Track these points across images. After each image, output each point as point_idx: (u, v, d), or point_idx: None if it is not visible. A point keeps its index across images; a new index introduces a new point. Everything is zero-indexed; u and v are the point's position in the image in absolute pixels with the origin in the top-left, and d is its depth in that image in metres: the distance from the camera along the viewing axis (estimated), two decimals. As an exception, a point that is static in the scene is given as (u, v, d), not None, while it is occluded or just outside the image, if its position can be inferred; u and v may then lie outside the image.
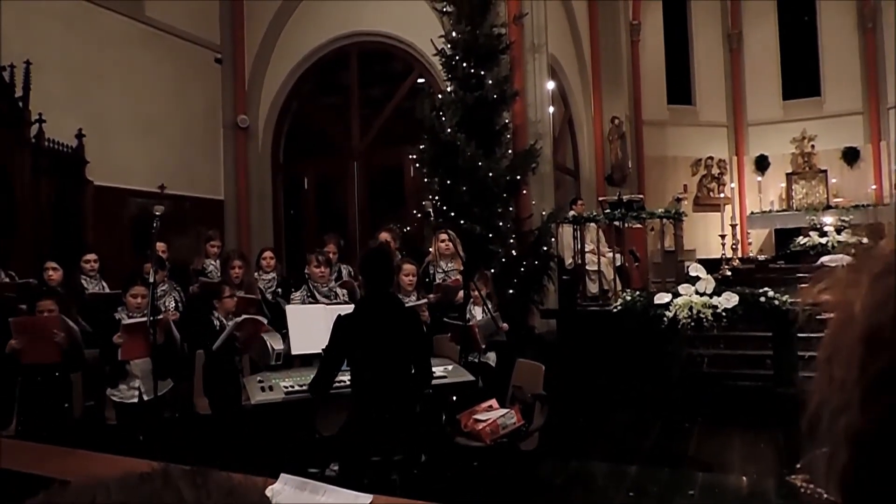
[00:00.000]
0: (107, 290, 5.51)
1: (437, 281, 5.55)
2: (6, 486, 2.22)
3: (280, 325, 4.82)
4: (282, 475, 1.84)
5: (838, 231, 10.75)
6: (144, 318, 4.41)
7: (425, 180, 7.17)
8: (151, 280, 4.48)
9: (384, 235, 5.84)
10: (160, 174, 8.29)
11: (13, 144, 6.49)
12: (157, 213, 4.59)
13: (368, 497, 1.78)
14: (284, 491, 1.79)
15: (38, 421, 4.28)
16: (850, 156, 13.00)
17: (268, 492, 1.77)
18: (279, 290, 5.93)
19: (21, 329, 4.37)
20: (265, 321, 4.75)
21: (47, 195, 6.75)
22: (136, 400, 4.50)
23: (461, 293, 5.34)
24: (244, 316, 4.66)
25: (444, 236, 5.65)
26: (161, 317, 4.58)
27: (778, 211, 13.12)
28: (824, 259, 8.82)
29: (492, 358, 4.96)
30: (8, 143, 6.45)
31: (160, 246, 5.54)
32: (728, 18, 13.97)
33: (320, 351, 3.84)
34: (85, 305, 5.22)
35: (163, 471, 0.41)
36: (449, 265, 5.62)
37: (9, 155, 6.47)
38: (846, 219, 11.25)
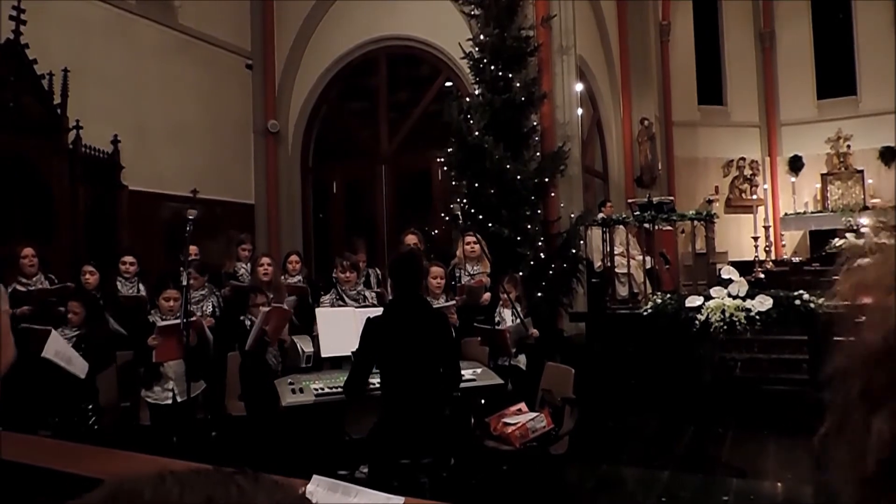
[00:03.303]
0: (142, 293, 5.60)
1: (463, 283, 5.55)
2: (44, 485, 2.27)
3: (310, 328, 4.87)
4: (314, 476, 1.86)
5: (876, 232, 10.47)
6: (178, 321, 4.48)
7: (453, 183, 7.18)
8: (185, 283, 4.55)
9: (411, 238, 5.85)
10: (192, 179, 8.43)
11: (51, 151, 6.67)
12: (191, 217, 4.67)
13: (400, 499, 1.78)
14: (317, 492, 1.80)
15: (71, 421, 4.37)
16: (888, 155, 12.66)
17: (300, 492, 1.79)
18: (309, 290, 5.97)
19: None
20: (291, 310, 4.77)
21: (84, 200, 6.91)
22: (170, 401, 4.57)
23: (487, 294, 5.33)
24: (270, 306, 4.68)
25: (470, 239, 5.65)
26: (194, 319, 4.64)
27: (812, 212, 12.83)
28: (861, 261, 8.59)
29: (522, 361, 4.94)
30: (46, 150, 6.63)
31: (192, 249, 5.61)
32: (760, 17, 13.73)
33: (350, 353, 3.86)
34: (119, 308, 5.31)
35: (217, 469, 0.42)
36: (475, 268, 5.62)
37: (47, 162, 6.65)
38: (884, 220, 10.93)
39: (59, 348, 4.32)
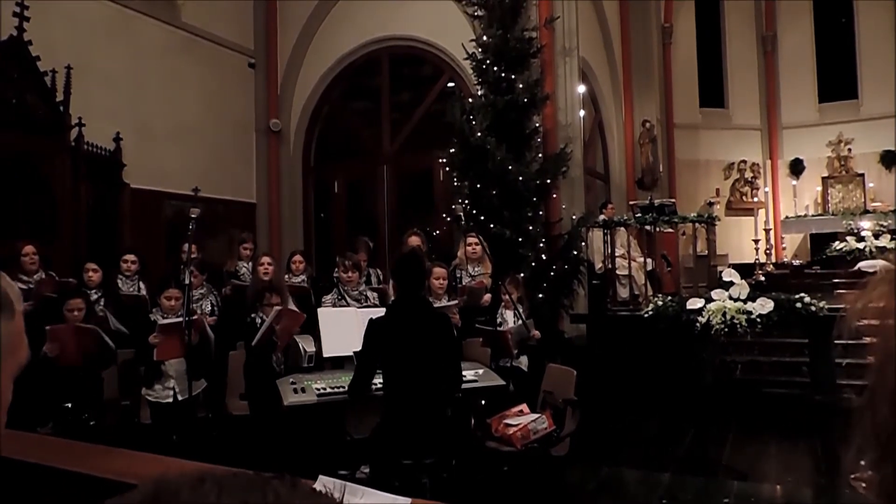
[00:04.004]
0: (143, 292, 5.59)
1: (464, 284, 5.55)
2: (43, 483, 2.27)
3: (312, 328, 4.86)
4: (320, 477, 1.85)
5: (876, 236, 10.48)
6: (180, 319, 4.47)
7: (455, 184, 7.17)
8: (187, 282, 4.54)
9: (414, 240, 5.84)
10: (194, 177, 8.43)
11: (54, 149, 6.66)
12: (193, 216, 4.65)
13: (406, 500, 1.78)
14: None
15: (72, 420, 4.36)
16: (889, 159, 12.67)
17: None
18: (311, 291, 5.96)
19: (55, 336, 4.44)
20: (303, 315, 4.75)
21: (86, 198, 6.91)
22: (170, 400, 4.57)
23: (488, 296, 5.33)
24: (282, 307, 4.67)
25: (471, 240, 5.64)
26: (196, 317, 4.64)
27: (813, 215, 12.84)
28: (862, 264, 8.61)
29: (524, 362, 4.94)
30: (49, 147, 6.62)
31: (190, 247, 5.59)
32: (762, 20, 13.74)
33: (352, 353, 3.86)
34: (120, 307, 5.30)
35: (256, 474, 0.42)
36: (476, 269, 5.61)
37: (50, 159, 6.65)
38: (884, 223, 10.97)
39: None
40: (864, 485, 0.50)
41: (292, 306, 4.85)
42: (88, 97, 6.97)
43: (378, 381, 3.58)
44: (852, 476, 0.53)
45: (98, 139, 7.09)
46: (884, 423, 0.42)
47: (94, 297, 5.13)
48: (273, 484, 0.41)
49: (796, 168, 13.35)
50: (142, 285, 5.61)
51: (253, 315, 4.80)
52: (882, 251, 9.72)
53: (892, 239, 10.27)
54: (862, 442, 0.45)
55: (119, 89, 7.63)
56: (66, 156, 6.74)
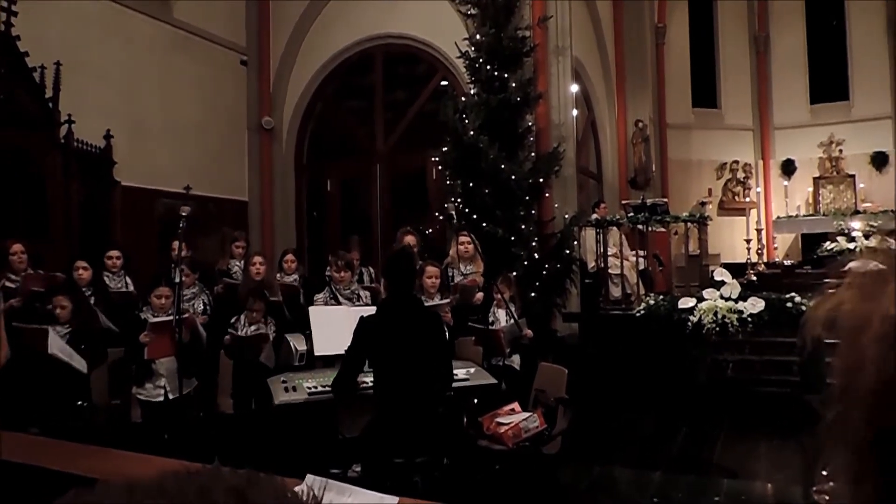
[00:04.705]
0: (130, 288, 5.56)
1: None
2: (34, 484, 2.25)
3: (303, 327, 4.85)
4: (308, 476, 1.84)
5: (866, 236, 10.54)
6: (171, 318, 4.45)
7: (448, 183, 7.17)
8: (177, 280, 4.52)
9: (410, 238, 5.82)
10: (186, 175, 8.39)
11: (44, 145, 6.61)
12: (184, 214, 4.63)
13: (394, 499, 1.78)
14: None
15: (58, 419, 4.33)
16: (879, 160, 12.75)
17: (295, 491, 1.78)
18: (301, 290, 5.95)
19: None
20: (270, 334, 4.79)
21: (77, 196, 6.86)
22: (161, 399, 4.54)
23: (480, 294, 5.32)
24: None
25: (464, 238, 5.64)
26: (187, 316, 4.61)
27: (805, 216, 12.90)
28: (852, 265, 8.65)
29: (516, 361, 4.94)
30: (38, 144, 6.57)
31: (179, 246, 5.58)
32: (755, 21, 13.79)
33: (343, 352, 3.85)
34: (110, 305, 5.27)
35: (214, 470, 0.41)
36: (468, 267, 5.61)
37: (39, 156, 6.60)
38: (875, 224, 11.03)
39: (60, 345, 4.29)
40: (826, 497, 0.49)
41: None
42: (79, 94, 6.92)
43: (368, 379, 3.57)
44: (814, 489, 0.52)
45: (89, 136, 7.04)
46: (859, 438, 0.41)
47: (87, 294, 5.10)
48: (230, 478, 0.39)
49: (788, 168, 13.41)
50: (128, 280, 5.58)
51: (235, 319, 4.81)
52: (873, 252, 9.77)
53: (882, 240, 10.33)
54: (834, 457, 0.44)
55: (110, 86, 7.58)
56: (57, 153, 6.69)
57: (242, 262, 6.11)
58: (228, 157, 9.32)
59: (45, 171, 6.61)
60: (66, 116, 6.73)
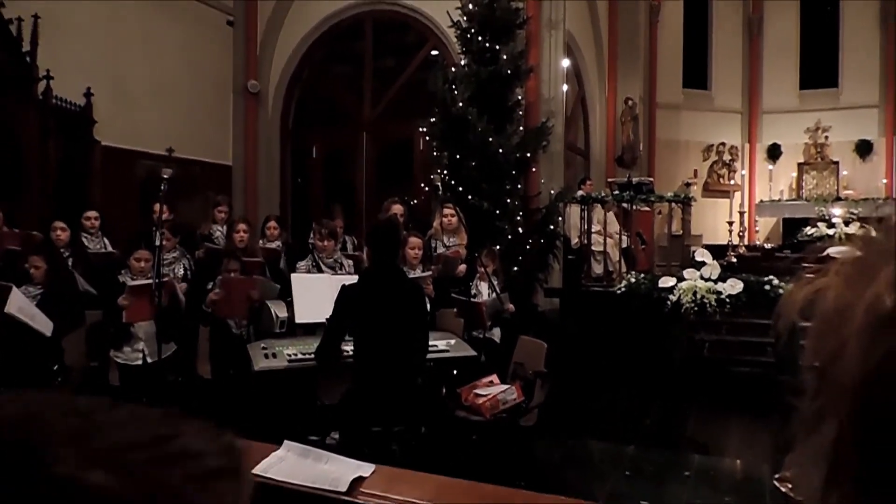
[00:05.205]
0: (108, 249, 5.50)
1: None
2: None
3: (284, 294, 4.83)
4: (285, 442, 1.85)
5: (846, 223, 10.67)
6: (150, 281, 4.40)
7: (434, 154, 7.12)
8: (158, 243, 4.46)
9: (397, 208, 5.78)
10: (169, 137, 8.24)
11: (20, 102, 6.43)
12: (165, 177, 4.55)
13: (371, 466, 1.79)
14: (288, 457, 1.80)
15: (28, 382, 4.29)
16: (863, 148, 12.86)
17: (272, 457, 1.78)
18: (284, 257, 5.92)
19: None
20: (255, 279, 4.78)
21: (54, 154, 6.71)
22: (139, 362, 4.51)
23: (462, 266, 5.33)
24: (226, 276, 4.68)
25: (448, 210, 5.62)
26: (166, 280, 4.57)
27: (787, 200, 13.02)
28: (831, 250, 8.76)
29: (496, 334, 4.97)
30: (14, 100, 6.39)
31: (159, 209, 5.52)
32: (750, 2, 13.72)
33: (324, 320, 3.85)
34: (88, 267, 5.20)
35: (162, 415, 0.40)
36: (452, 239, 5.60)
37: (15, 112, 6.43)
38: (855, 211, 11.17)
39: (21, 304, 4.22)
40: (789, 485, 0.49)
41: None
42: (58, 49, 6.73)
43: (348, 347, 3.57)
44: (776, 476, 0.52)
45: (68, 94, 6.88)
46: (834, 439, 0.40)
47: (65, 256, 5.03)
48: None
49: (774, 153, 13.48)
50: (106, 241, 5.52)
51: (211, 284, 4.78)
52: (851, 238, 9.90)
53: (861, 227, 10.46)
54: (806, 447, 0.43)
55: (91, 42, 7.39)
56: (33, 110, 6.52)
57: (225, 227, 6.05)
58: (213, 120, 9.17)
59: (22, 128, 6.45)
60: (45, 72, 6.56)
